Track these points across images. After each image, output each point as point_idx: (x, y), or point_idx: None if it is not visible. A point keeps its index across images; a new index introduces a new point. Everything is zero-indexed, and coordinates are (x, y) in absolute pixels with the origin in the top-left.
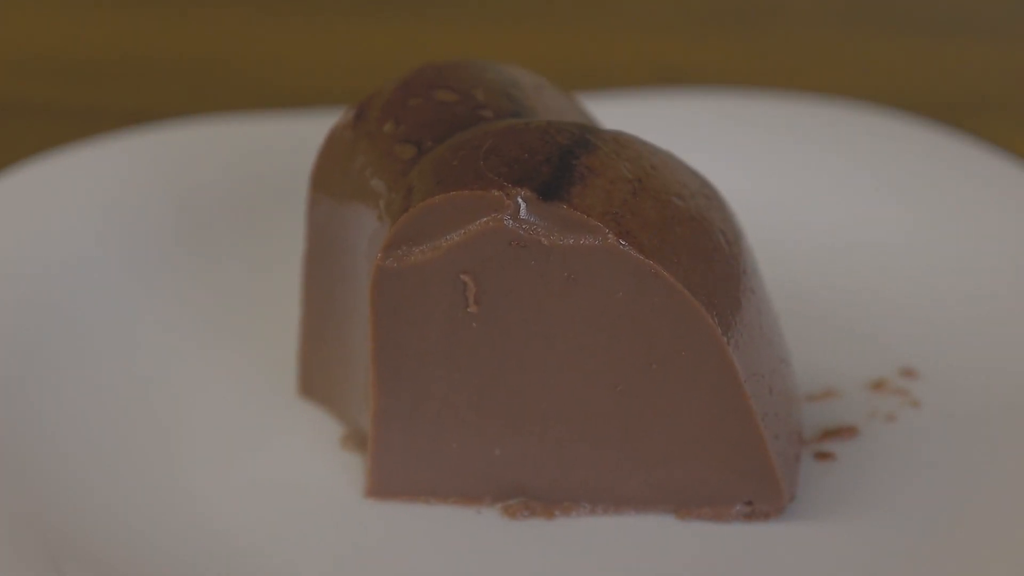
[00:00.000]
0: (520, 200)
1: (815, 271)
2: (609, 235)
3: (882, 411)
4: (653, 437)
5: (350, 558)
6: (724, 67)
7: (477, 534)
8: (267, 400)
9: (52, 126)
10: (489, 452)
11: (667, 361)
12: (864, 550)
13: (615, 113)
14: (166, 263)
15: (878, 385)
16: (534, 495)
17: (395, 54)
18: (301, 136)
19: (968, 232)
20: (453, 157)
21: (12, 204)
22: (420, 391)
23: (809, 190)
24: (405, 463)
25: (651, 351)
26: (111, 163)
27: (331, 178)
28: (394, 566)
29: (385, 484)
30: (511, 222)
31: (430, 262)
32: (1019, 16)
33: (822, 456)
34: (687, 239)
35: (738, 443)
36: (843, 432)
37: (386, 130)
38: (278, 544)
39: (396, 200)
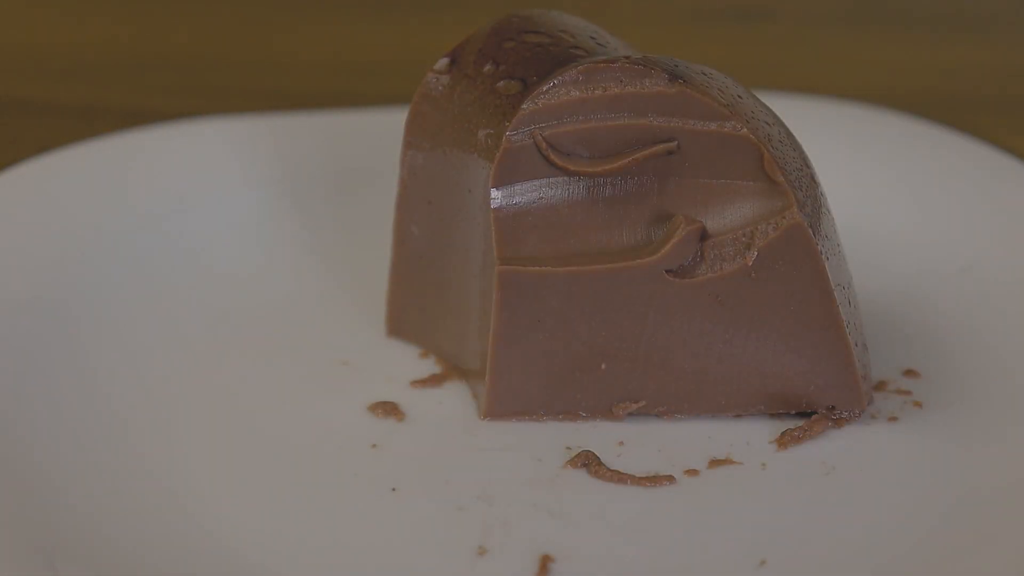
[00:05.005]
0: (658, 75)
1: None
2: (731, 121)
3: (884, 411)
4: (749, 346)
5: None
6: (722, 65)
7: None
8: (267, 398)
9: (52, 126)
10: (596, 367)
11: (766, 269)
12: (865, 549)
13: None
14: (165, 262)
15: (880, 386)
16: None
17: (395, 54)
18: (301, 136)
19: (969, 231)
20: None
21: (12, 202)
22: (539, 306)
23: None
24: (519, 383)
25: (753, 262)
26: (111, 163)
27: (428, 121)
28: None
29: (501, 405)
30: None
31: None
32: (1019, 16)
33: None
34: (784, 141)
35: (827, 349)
36: None
37: (486, 71)
38: (280, 549)
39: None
